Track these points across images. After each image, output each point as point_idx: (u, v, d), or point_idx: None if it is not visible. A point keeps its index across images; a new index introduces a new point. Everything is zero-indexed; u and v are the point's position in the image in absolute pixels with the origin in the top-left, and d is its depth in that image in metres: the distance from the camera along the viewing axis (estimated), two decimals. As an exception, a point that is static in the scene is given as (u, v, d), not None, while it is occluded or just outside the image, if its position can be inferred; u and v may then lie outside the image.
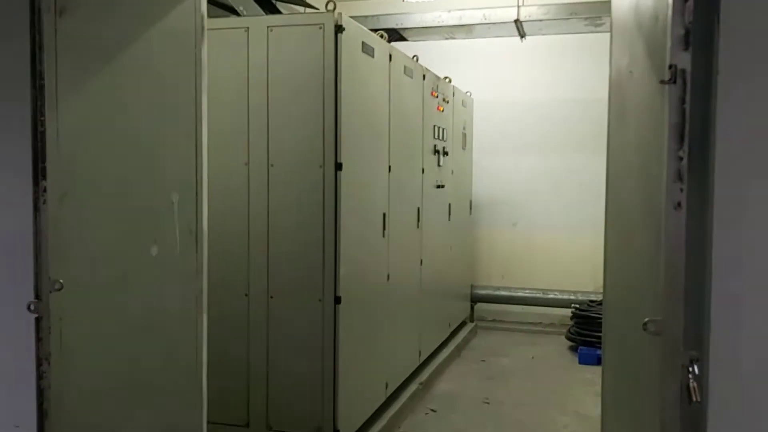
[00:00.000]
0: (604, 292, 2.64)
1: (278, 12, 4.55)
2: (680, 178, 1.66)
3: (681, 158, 1.66)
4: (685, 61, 1.68)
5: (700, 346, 1.78)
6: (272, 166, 3.87)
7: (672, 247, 1.67)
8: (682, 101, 1.66)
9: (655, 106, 1.83)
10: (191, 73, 2.92)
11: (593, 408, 5.23)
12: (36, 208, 2.14)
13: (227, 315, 3.88)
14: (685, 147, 1.65)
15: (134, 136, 2.54)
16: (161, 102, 2.70)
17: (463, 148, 6.88)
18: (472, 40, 7.34)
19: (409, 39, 6.98)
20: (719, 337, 1.86)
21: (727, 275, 1.88)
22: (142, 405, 2.68)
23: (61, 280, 2.18)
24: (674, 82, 1.67)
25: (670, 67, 1.68)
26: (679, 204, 1.66)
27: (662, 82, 1.70)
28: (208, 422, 3.16)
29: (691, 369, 1.67)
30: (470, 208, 7.34)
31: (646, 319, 1.72)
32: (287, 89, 3.82)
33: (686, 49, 1.68)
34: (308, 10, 5.03)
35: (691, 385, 1.67)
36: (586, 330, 6.61)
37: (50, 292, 2.17)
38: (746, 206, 1.90)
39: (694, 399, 1.69)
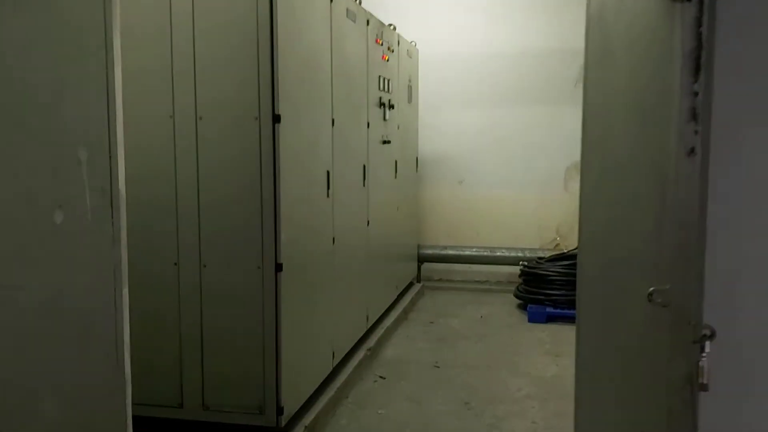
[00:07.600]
0: (579, 253, 2.38)
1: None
2: (695, 117, 1.37)
3: (696, 93, 1.37)
4: (700, -26, 1.37)
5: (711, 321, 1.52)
6: (201, 119, 3.44)
7: (684, 200, 1.39)
8: (699, 23, 1.36)
9: (657, 36, 1.53)
10: (100, 11, 2.45)
11: (545, 368, 5.09)
12: None
13: (154, 288, 3.48)
14: (702, 79, 1.36)
15: (31, 83, 2.10)
16: (64, 44, 2.25)
17: (409, 101, 6.53)
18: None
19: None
20: (720, 311, 1.62)
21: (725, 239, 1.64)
22: (50, 400, 2.28)
23: (-67, 257, 1.76)
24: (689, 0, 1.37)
25: (683, -18, 1.38)
26: (692, 149, 1.38)
27: (673, 0, 1.39)
28: (138, 404, 2.81)
29: (702, 346, 1.41)
30: (417, 165, 7.05)
31: (651, 289, 1.44)
32: (216, 29, 3.37)
33: (702, -41, 1.37)
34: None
35: (701, 364, 1.42)
36: (534, 288, 6.48)
37: None
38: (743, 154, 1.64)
39: (702, 381, 1.44)
